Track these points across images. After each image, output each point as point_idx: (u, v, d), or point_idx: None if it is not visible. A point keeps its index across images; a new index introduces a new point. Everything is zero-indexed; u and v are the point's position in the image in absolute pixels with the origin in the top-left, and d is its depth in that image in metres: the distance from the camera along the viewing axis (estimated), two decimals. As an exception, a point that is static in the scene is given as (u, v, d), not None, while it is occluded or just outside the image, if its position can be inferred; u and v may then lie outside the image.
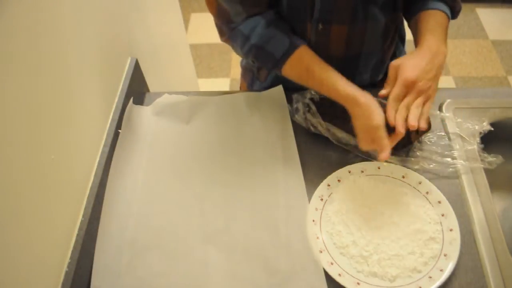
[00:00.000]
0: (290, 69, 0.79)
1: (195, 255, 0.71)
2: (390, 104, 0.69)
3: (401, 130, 0.68)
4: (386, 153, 0.69)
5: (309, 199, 0.76)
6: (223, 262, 0.70)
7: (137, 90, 0.96)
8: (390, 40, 0.88)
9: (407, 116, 0.69)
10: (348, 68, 0.81)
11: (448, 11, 0.79)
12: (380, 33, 0.83)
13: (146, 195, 0.79)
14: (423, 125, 0.68)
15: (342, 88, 0.73)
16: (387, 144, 0.69)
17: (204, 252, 0.71)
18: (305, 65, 0.77)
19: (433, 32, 0.75)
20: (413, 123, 0.67)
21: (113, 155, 0.82)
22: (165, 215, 0.76)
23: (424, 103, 0.70)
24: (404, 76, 0.69)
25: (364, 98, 0.71)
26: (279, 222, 0.74)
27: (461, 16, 0.85)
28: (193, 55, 1.79)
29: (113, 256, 0.71)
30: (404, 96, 0.70)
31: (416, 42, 0.77)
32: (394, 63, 0.72)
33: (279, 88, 0.92)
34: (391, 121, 0.69)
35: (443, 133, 0.84)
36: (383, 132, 0.69)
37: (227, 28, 0.80)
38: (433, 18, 0.78)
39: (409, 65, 0.70)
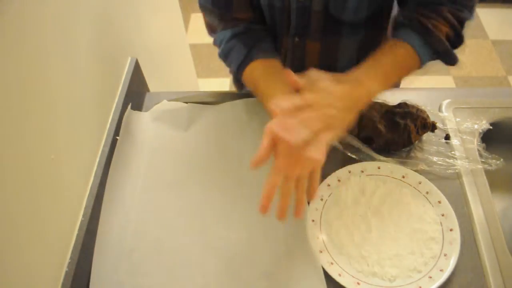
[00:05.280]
0: (245, 81, 0.80)
1: (194, 262, 0.71)
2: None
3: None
4: (256, 157, 0.57)
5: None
6: (223, 268, 0.70)
7: (137, 90, 0.96)
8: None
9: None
10: None
11: (419, 48, 0.69)
12: (356, 49, 0.84)
13: (144, 203, 0.78)
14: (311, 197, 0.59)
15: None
16: (260, 149, 0.57)
17: (203, 259, 0.71)
18: (255, 78, 0.77)
19: (373, 67, 0.67)
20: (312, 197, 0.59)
21: (111, 162, 0.81)
22: (164, 223, 0.76)
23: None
24: (306, 96, 0.59)
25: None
26: (279, 223, 0.74)
27: (461, 16, 0.83)
28: (193, 55, 1.78)
29: (111, 265, 0.71)
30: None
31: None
32: (312, 74, 0.63)
33: None
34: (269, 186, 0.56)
35: (443, 133, 0.84)
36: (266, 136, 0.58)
37: (212, 37, 0.86)
38: (391, 52, 0.69)
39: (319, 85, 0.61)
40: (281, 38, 0.84)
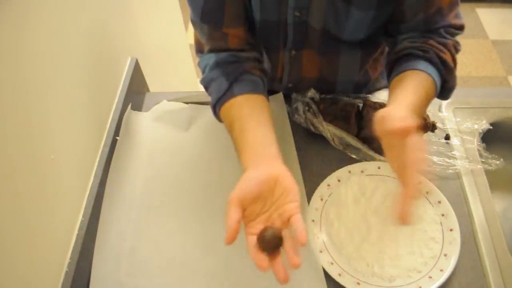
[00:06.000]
0: (222, 117, 0.74)
1: (194, 262, 0.71)
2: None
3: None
4: (228, 235, 0.55)
5: (309, 199, 0.76)
6: (223, 268, 0.70)
7: (137, 90, 0.97)
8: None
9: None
10: (326, 88, 0.86)
11: (436, 78, 0.68)
12: (358, 64, 0.83)
13: (144, 203, 0.78)
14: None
15: (244, 158, 0.64)
16: (230, 226, 0.54)
17: (203, 259, 0.71)
18: (231, 118, 0.71)
19: (404, 98, 0.63)
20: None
21: (111, 162, 0.81)
22: (164, 223, 0.76)
23: None
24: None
25: (252, 173, 0.59)
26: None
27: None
28: (193, 55, 1.78)
29: (111, 264, 0.71)
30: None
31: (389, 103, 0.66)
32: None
33: (279, 96, 0.91)
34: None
35: (443, 133, 0.84)
36: (231, 210, 0.56)
37: (198, 57, 0.82)
38: (414, 79, 0.67)
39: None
40: (276, 52, 0.82)
